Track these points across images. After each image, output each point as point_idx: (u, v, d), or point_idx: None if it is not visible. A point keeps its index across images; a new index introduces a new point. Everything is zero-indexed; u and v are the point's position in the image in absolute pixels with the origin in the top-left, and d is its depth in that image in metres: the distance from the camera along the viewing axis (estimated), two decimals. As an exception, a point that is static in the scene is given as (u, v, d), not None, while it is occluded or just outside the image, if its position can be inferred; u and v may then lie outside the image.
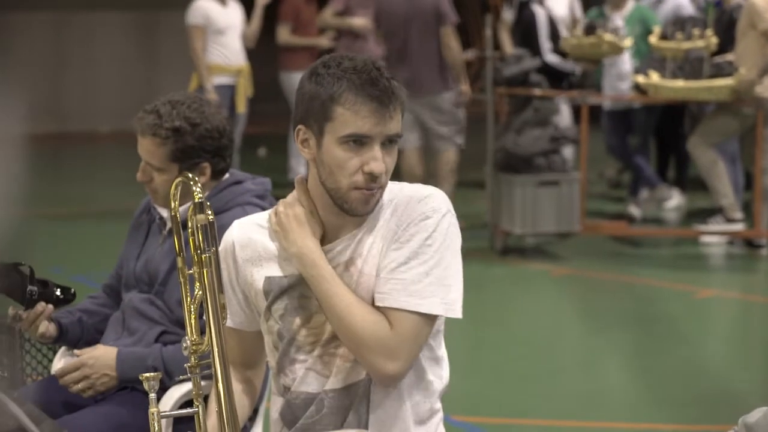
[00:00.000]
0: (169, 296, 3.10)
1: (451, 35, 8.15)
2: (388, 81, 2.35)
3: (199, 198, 2.26)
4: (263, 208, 3.04)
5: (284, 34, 10.32)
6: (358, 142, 2.34)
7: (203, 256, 2.26)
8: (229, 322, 2.50)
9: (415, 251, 2.37)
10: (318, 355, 2.42)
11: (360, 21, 9.30)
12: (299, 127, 2.41)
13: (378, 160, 2.33)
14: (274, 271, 2.44)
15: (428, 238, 2.37)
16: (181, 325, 3.03)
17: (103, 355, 3.08)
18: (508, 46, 9.66)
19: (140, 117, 3.10)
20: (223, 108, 8.92)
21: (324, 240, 2.43)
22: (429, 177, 8.12)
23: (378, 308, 2.37)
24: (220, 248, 2.39)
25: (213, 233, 2.26)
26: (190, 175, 2.33)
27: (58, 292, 3.22)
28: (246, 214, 2.93)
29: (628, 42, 8.48)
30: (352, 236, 2.42)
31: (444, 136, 8.24)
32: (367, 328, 2.34)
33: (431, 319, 2.39)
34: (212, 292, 2.26)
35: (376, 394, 2.41)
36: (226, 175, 3.20)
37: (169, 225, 3.17)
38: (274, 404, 2.52)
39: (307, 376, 2.43)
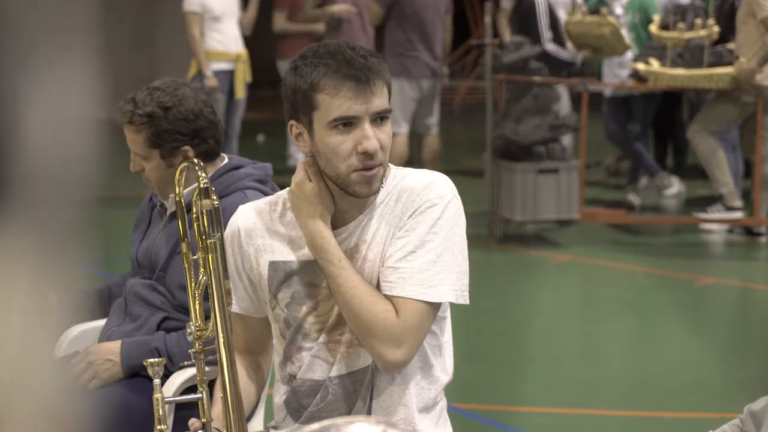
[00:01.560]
0: (170, 281, 3.09)
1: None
2: (365, 59, 2.32)
3: (205, 183, 2.24)
4: (264, 193, 3.03)
5: (280, 21, 10.28)
6: (347, 124, 2.32)
7: (208, 241, 2.25)
8: (234, 308, 2.50)
9: (422, 239, 2.35)
10: (323, 342, 2.41)
11: (339, 7, 9.26)
12: (291, 122, 2.40)
13: (369, 138, 2.31)
14: (279, 255, 2.44)
15: (434, 226, 2.36)
16: (184, 309, 3.03)
17: (106, 343, 3.09)
18: (507, 34, 9.63)
19: (119, 106, 3.10)
20: (222, 93, 8.91)
21: (332, 225, 2.41)
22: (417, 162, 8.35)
23: (386, 296, 2.36)
24: (225, 233, 2.38)
25: (218, 218, 2.25)
26: (196, 160, 2.33)
27: None
28: (247, 198, 2.92)
29: (630, 42, 8.53)
30: (357, 222, 2.41)
31: (434, 120, 8.64)
32: (373, 315, 2.32)
33: (437, 306, 2.38)
34: (217, 277, 2.24)
35: (380, 381, 2.41)
36: (225, 160, 3.18)
37: (169, 210, 3.16)
38: (278, 391, 2.51)
39: (312, 364, 2.42)
